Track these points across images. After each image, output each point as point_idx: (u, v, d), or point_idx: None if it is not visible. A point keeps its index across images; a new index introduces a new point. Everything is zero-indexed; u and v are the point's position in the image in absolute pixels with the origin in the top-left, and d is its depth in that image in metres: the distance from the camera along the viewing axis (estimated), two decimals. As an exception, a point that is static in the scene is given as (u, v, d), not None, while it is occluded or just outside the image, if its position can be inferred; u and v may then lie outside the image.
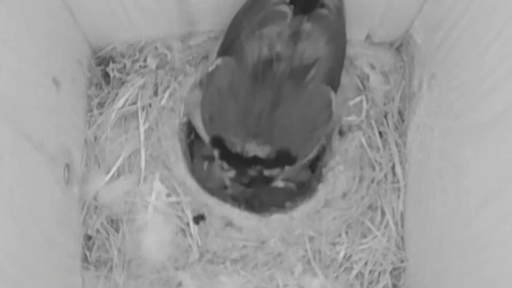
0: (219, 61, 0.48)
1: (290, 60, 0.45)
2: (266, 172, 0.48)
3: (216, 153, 0.49)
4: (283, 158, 0.48)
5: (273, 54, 0.45)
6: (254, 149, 0.47)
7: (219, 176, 0.53)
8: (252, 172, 0.48)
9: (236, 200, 0.55)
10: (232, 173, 0.49)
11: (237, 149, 0.47)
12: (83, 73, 0.54)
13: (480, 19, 0.41)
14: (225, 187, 0.55)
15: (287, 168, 0.49)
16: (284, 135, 0.47)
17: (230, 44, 0.48)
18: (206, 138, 0.50)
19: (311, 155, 0.51)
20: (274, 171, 0.49)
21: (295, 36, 0.45)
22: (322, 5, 0.46)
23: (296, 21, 0.45)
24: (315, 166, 0.57)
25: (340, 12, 0.47)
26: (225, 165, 0.49)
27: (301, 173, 0.57)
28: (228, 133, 0.47)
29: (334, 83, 0.48)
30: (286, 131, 0.47)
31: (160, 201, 0.52)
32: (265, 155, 0.47)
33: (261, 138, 0.46)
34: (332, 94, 0.48)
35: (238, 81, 0.46)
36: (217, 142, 0.48)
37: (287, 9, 0.46)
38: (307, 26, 0.46)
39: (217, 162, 0.49)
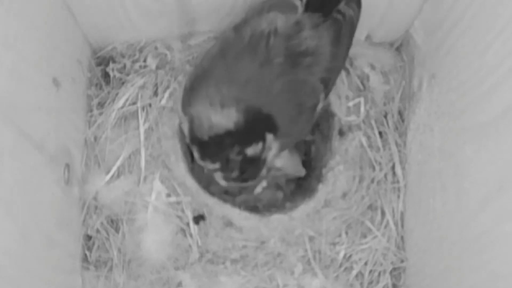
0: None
1: (287, 38, 0.44)
2: (249, 151, 0.42)
3: (195, 153, 0.44)
4: (258, 123, 0.42)
5: (271, 28, 0.44)
6: (219, 119, 0.41)
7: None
8: (233, 156, 0.42)
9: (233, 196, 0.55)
10: (217, 167, 0.43)
11: (204, 125, 0.41)
12: (83, 73, 0.54)
13: (480, 19, 0.41)
14: (226, 192, 0.55)
15: (274, 144, 0.43)
16: (258, 97, 0.42)
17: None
18: (187, 135, 0.45)
19: (295, 136, 0.48)
20: (256, 147, 0.42)
21: (301, 24, 0.45)
22: (339, 12, 0.46)
23: (305, 17, 0.45)
24: (314, 166, 0.57)
25: (352, 25, 0.47)
26: (208, 164, 0.44)
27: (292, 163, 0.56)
28: (200, 102, 0.43)
29: (327, 87, 0.47)
30: (262, 94, 0.42)
31: (160, 201, 0.51)
32: (234, 123, 0.41)
33: (228, 103, 0.41)
34: (322, 96, 0.47)
35: (229, 49, 0.44)
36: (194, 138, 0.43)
37: (298, 3, 0.45)
38: (315, 21, 0.45)
39: (200, 163, 0.44)
